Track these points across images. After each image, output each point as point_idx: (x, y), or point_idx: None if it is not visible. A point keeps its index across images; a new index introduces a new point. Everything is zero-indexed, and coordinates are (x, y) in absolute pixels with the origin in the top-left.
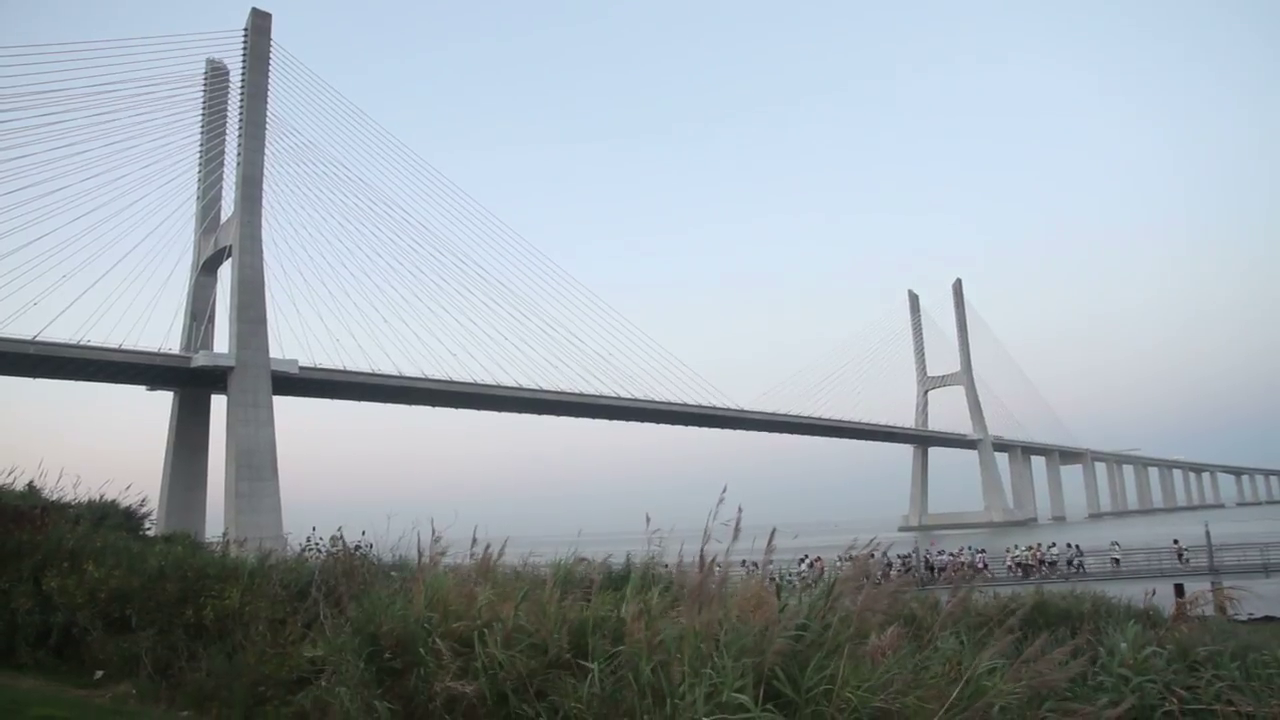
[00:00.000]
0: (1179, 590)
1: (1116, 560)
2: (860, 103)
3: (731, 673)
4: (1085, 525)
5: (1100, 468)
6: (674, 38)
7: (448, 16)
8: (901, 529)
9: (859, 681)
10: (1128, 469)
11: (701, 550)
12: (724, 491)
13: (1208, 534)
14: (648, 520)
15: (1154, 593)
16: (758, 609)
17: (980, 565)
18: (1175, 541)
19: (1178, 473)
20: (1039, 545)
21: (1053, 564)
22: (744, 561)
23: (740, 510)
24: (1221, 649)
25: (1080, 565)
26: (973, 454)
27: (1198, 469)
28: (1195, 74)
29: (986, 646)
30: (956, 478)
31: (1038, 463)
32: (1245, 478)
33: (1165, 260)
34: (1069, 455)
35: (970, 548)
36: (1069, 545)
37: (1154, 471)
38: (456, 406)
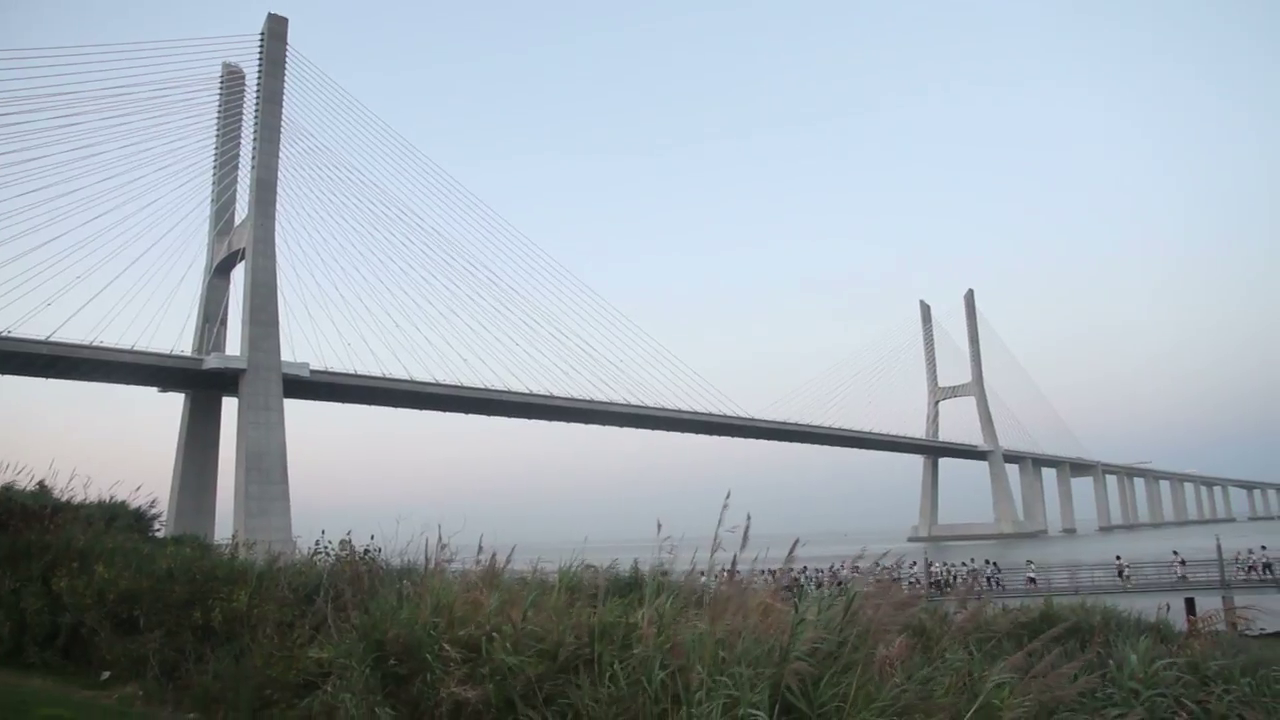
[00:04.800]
0: (1190, 605)
1: (1032, 579)
2: (873, 119)
3: (749, 682)
4: (1095, 538)
5: (1111, 480)
6: (691, 54)
7: (461, 26)
8: (911, 539)
9: (871, 699)
10: (1139, 482)
11: (711, 558)
12: (728, 498)
13: (1219, 548)
14: (659, 527)
15: (1168, 607)
16: (766, 617)
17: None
18: (1118, 558)
19: (1189, 486)
20: (948, 563)
21: (951, 581)
22: (762, 571)
23: (749, 518)
24: (1233, 663)
25: (999, 583)
26: (983, 465)
27: (1209, 483)
28: (1195, 83)
29: (996, 660)
30: (967, 489)
31: (1049, 475)
32: (1257, 492)
33: (1171, 268)
34: (1080, 467)
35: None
36: (987, 562)
37: (1165, 485)
38: (467, 411)
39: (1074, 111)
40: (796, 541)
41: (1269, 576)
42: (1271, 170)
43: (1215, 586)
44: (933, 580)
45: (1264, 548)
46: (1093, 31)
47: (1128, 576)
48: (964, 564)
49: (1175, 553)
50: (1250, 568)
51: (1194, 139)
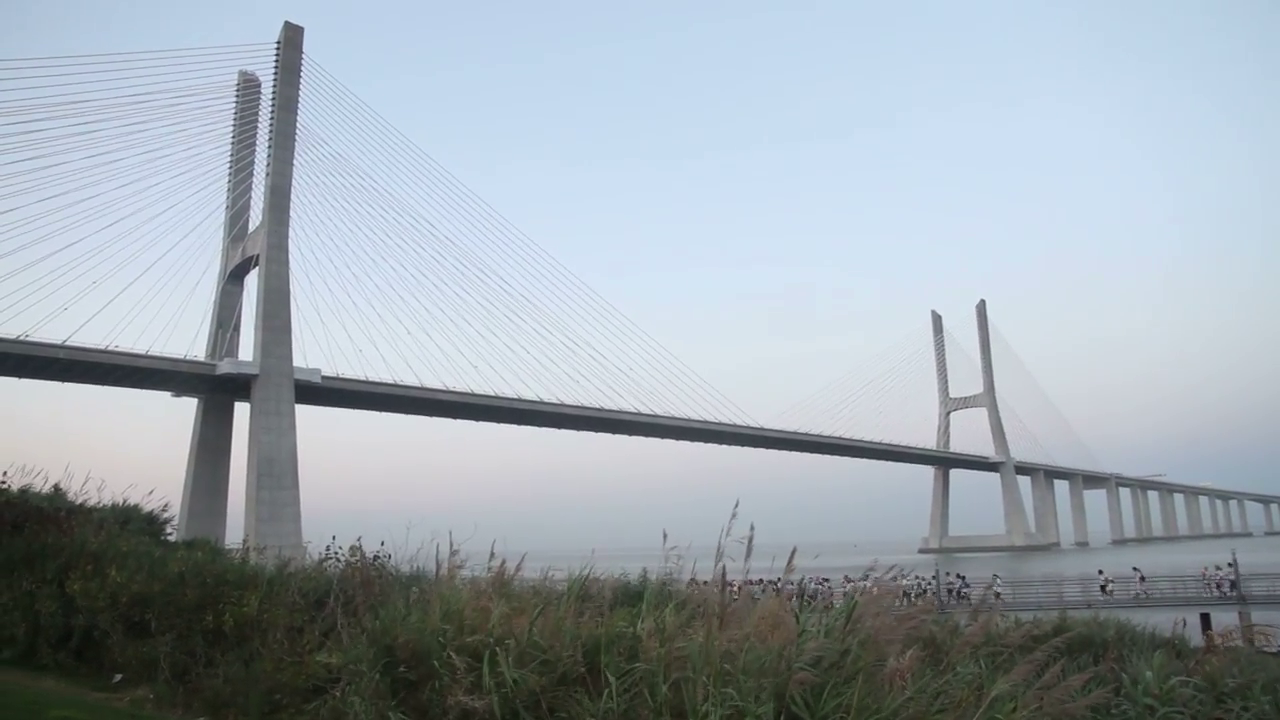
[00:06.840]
0: (1205, 620)
1: (998, 594)
2: (886, 134)
3: (752, 693)
4: (1109, 551)
5: (1125, 493)
6: (705, 65)
7: (471, 33)
8: (921, 551)
9: (874, 710)
10: (1153, 495)
11: (721, 568)
12: (736, 506)
13: (1234, 562)
14: (664, 537)
15: (1184, 623)
16: (775, 630)
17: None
18: (1100, 572)
19: (1204, 500)
20: (919, 576)
21: (922, 593)
22: (763, 581)
23: (753, 528)
24: (1251, 681)
25: (964, 595)
26: (995, 476)
27: (1225, 496)
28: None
29: (1006, 672)
30: (978, 500)
31: (1061, 487)
32: (1274, 506)
33: (1174, 276)
34: (1092, 480)
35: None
36: (958, 576)
37: (1179, 498)
38: (477, 419)
39: (1081, 126)
40: (795, 551)
41: (1234, 594)
42: (1266, 175)
43: (1194, 604)
44: (905, 593)
45: (1230, 565)
46: (1092, 47)
47: (1110, 591)
48: (933, 578)
49: (1135, 569)
50: (1216, 585)
51: (1191, 147)
